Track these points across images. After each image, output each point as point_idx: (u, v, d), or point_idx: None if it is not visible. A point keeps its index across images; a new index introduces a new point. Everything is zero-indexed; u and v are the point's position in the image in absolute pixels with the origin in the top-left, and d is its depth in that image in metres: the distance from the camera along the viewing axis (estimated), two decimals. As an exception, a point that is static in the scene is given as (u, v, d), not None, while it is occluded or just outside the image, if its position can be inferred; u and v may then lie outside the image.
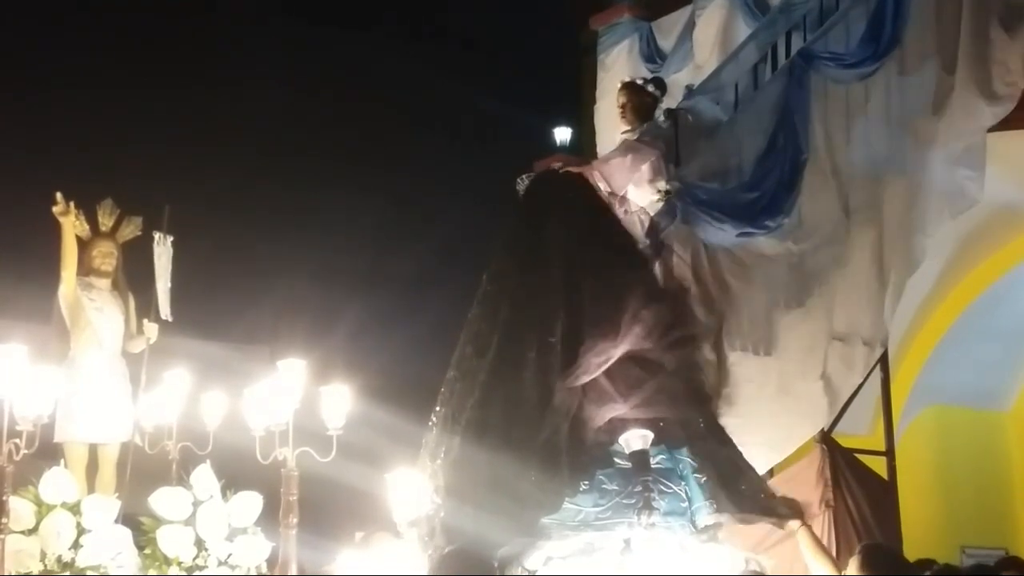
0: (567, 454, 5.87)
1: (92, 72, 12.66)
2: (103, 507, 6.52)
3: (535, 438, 5.89)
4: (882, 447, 8.45)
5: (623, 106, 8.41)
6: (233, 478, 6.84)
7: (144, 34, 13.47)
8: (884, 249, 8.03)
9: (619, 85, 8.64)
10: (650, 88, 8.36)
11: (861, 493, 7.84)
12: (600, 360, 5.95)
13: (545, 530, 5.80)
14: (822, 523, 7.55)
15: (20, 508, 6.24)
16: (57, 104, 12.39)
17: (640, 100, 8.35)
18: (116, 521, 6.54)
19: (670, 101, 8.83)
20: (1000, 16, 8.42)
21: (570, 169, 7.98)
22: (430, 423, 6.47)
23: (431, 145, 14.72)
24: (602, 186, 8.01)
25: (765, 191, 7.68)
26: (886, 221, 8.10)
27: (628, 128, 8.40)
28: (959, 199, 8.19)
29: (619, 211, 8.04)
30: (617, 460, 5.85)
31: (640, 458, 5.69)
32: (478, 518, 5.68)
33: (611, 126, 9.52)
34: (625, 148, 8.27)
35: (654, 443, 5.67)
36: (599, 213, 6.80)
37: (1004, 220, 8.47)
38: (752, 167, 7.86)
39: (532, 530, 5.74)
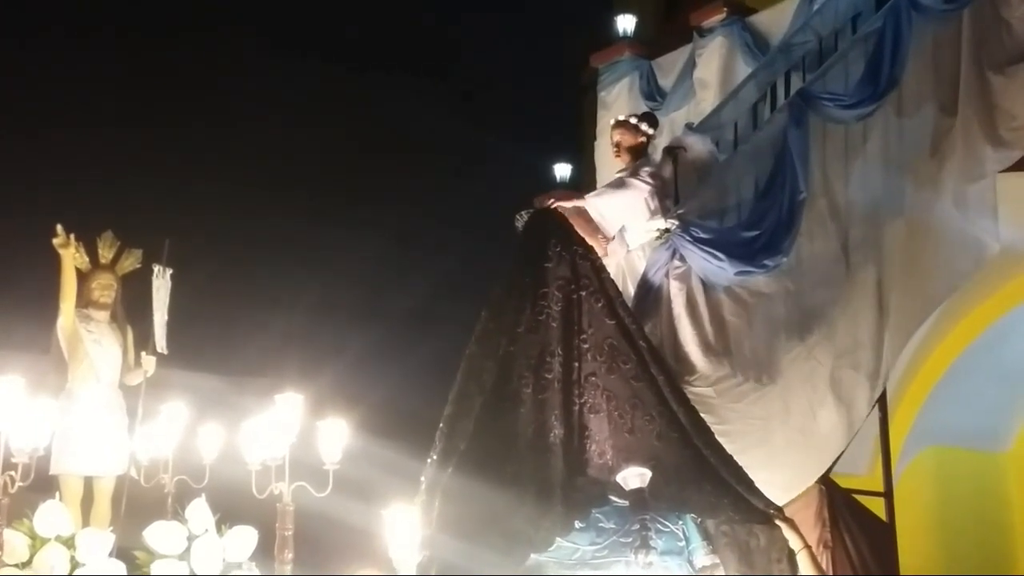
0: (562, 491, 5.86)
1: (93, 105, 12.72)
2: (97, 541, 6.47)
3: (530, 474, 5.87)
4: (881, 488, 8.39)
5: (617, 144, 8.46)
6: (228, 512, 6.79)
7: (145, 68, 13.54)
8: (884, 289, 8.02)
9: (611, 124, 8.69)
10: (643, 126, 8.41)
11: (860, 534, 7.79)
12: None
13: (543, 568, 5.76)
14: (821, 564, 7.49)
15: (14, 541, 6.19)
16: (58, 137, 12.44)
17: (633, 137, 8.39)
18: (110, 555, 6.48)
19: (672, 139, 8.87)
20: (1001, 62, 8.44)
21: (562, 204, 7.98)
22: (429, 459, 6.45)
23: (431, 180, 14.76)
24: (595, 219, 8.03)
25: (764, 230, 7.67)
26: (886, 261, 8.10)
27: (624, 168, 8.45)
28: (973, 248, 8.22)
29: (619, 249, 8.06)
30: (613, 498, 5.83)
31: (637, 496, 5.67)
32: (470, 553, 5.66)
33: (610, 163, 9.53)
34: (617, 182, 8.31)
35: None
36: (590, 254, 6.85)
37: (1004, 260, 8.45)
38: (751, 206, 7.85)
39: (521, 567, 5.70)
